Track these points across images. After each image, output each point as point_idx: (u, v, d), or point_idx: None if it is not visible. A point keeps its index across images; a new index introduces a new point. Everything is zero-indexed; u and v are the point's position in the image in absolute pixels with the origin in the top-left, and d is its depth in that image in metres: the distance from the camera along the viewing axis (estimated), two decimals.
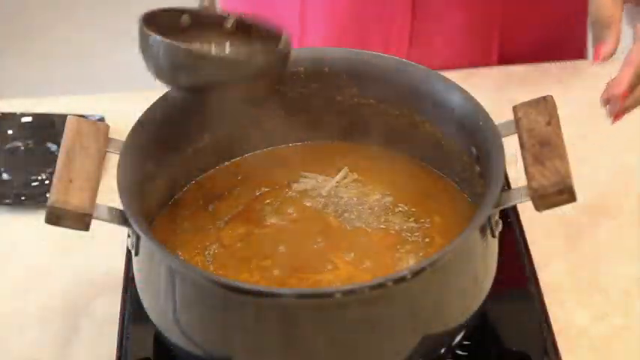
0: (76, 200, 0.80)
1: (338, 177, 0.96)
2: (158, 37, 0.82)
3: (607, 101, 0.91)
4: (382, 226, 0.91)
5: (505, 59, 1.26)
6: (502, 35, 1.25)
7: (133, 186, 0.85)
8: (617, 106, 0.90)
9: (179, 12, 0.87)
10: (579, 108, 1.19)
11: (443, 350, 0.84)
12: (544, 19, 1.27)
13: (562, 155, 0.81)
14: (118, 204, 0.81)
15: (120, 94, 1.25)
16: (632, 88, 0.90)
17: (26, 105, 1.22)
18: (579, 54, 1.34)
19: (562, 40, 1.30)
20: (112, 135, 0.87)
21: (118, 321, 0.94)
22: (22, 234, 1.07)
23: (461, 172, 0.92)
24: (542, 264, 0.99)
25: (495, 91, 1.20)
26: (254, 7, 1.26)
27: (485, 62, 1.25)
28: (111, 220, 0.82)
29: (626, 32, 1.20)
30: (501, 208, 0.82)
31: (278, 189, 0.96)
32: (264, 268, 0.88)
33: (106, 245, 1.03)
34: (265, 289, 0.80)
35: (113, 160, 0.86)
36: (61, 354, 0.95)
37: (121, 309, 0.94)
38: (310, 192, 0.95)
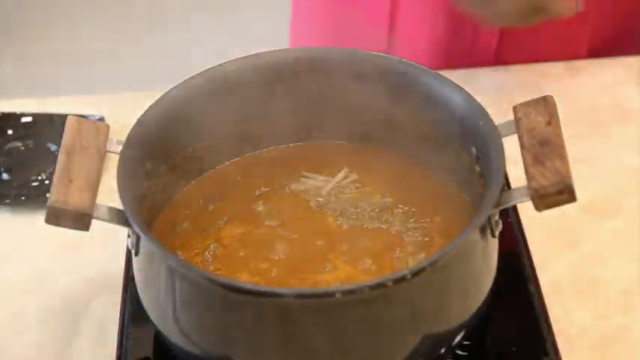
0: (76, 200, 0.80)
1: (338, 177, 0.96)
2: None
3: None
4: (382, 227, 0.91)
5: (594, 53, 1.26)
6: (592, 28, 1.25)
7: (133, 186, 0.85)
8: None
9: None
10: (579, 108, 1.19)
11: (443, 350, 0.84)
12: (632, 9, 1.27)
13: (562, 155, 0.81)
14: (118, 204, 0.81)
15: (120, 94, 1.25)
16: None
17: (26, 105, 1.22)
18: None
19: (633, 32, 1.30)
20: (112, 135, 0.87)
21: (118, 321, 0.94)
22: (22, 234, 1.07)
23: (461, 172, 0.92)
24: (542, 264, 0.99)
25: (495, 91, 1.20)
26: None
27: (575, 55, 1.25)
28: (111, 220, 0.82)
29: None
30: (501, 208, 0.82)
31: (278, 189, 0.96)
32: (263, 268, 0.88)
33: (106, 245, 1.03)
34: (265, 289, 0.80)
35: (113, 160, 0.86)
36: (61, 354, 0.95)
37: (121, 309, 0.94)
38: (310, 192, 0.95)
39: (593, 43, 1.27)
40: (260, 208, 0.94)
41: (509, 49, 1.25)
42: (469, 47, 1.26)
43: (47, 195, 0.82)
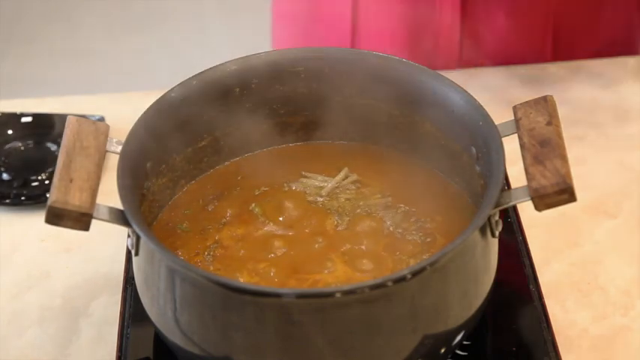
0: (76, 200, 0.80)
1: (338, 177, 0.96)
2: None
3: None
4: (382, 227, 0.91)
5: (561, 56, 1.26)
6: (556, 32, 1.24)
7: (133, 186, 0.85)
8: None
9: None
10: (579, 108, 1.19)
11: (443, 350, 0.84)
12: (601, 15, 1.26)
13: (562, 155, 0.81)
14: (118, 204, 0.81)
15: (120, 94, 1.25)
16: None
17: (26, 105, 1.22)
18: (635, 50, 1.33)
19: (623, 36, 1.29)
20: (112, 135, 0.87)
21: (117, 321, 0.94)
22: (22, 234, 1.07)
23: (461, 172, 0.92)
24: (542, 264, 0.99)
25: (495, 91, 1.20)
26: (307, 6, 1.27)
27: (540, 59, 1.25)
28: (111, 220, 0.82)
29: None
30: (501, 208, 0.82)
31: (278, 189, 0.96)
32: (263, 268, 0.88)
33: (106, 245, 1.03)
34: (265, 289, 0.80)
35: (113, 160, 0.86)
36: (61, 354, 0.95)
37: (121, 309, 0.94)
38: (310, 192, 0.95)
39: (560, 49, 1.26)
40: (260, 208, 0.94)
41: (471, 53, 1.24)
42: (432, 49, 1.26)
43: (47, 195, 0.82)
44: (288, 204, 0.94)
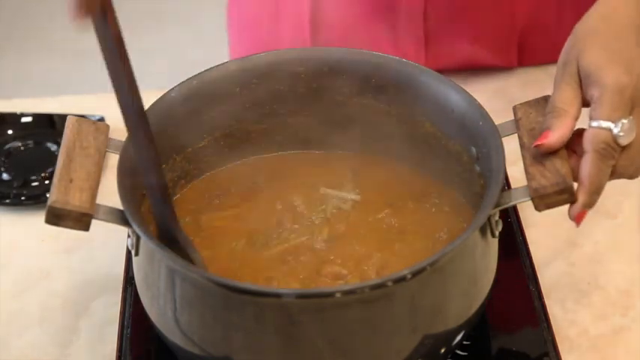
0: (76, 200, 0.80)
1: (344, 192, 0.95)
2: None
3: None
4: (382, 227, 0.91)
5: (526, 62, 1.25)
6: (522, 38, 1.23)
7: (133, 186, 0.85)
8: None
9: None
10: None
11: (443, 350, 0.84)
12: (565, 22, 1.25)
13: (562, 155, 0.82)
14: (118, 204, 0.81)
15: None
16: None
17: (26, 105, 1.22)
18: None
19: None
20: (112, 135, 0.87)
21: (118, 321, 0.94)
22: (22, 234, 1.07)
23: (461, 172, 0.92)
24: (542, 264, 0.99)
25: (495, 91, 1.20)
26: (262, 8, 1.26)
27: (504, 64, 1.24)
28: (111, 220, 0.82)
29: None
30: (501, 208, 0.82)
31: (278, 190, 0.96)
32: (262, 269, 0.88)
33: (106, 245, 1.03)
34: (265, 289, 0.80)
35: (113, 160, 0.86)
36: (61, 354, 0.95)
37: (121, 309, 0.94)
38: (311, 192, 0.95)
39: (525, 56, 1.25)
40: (260, 210, 0.93)
41: (435, 59, 1.22)
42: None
43: (47, 195, 0.82)
44: (288, 205, 0.94)
